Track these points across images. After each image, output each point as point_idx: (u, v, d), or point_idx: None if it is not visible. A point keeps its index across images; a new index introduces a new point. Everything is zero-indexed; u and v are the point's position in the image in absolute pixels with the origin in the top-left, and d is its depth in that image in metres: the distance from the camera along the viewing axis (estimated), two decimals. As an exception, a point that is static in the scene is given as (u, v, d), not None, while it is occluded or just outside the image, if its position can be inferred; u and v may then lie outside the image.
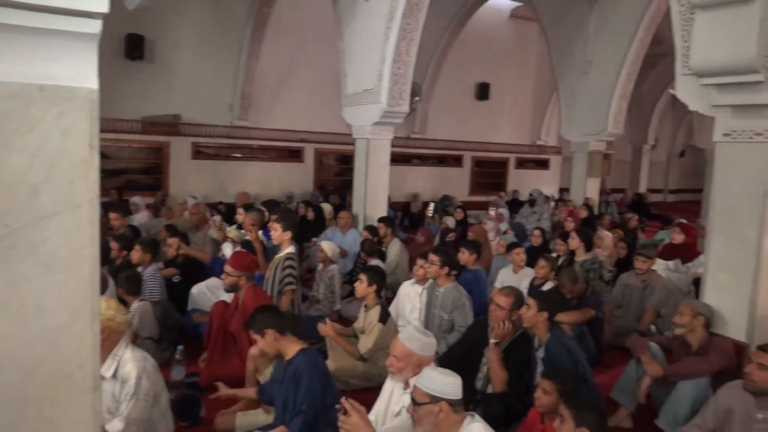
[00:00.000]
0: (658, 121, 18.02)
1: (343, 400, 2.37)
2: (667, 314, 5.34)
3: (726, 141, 3.86)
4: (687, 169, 21.43)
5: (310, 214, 8.94)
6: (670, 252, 6.31)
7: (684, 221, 8.56)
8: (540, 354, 3.67)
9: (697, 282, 5.58)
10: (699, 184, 19.22)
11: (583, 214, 9.16)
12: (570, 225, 7.87)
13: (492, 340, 3.66)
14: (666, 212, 14.49)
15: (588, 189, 10.59)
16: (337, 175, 13.15)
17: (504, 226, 8.89)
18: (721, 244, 3.93)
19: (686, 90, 4.04)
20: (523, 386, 3.57)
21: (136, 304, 4.25)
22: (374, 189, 7.72)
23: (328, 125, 12.01)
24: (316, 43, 11.64)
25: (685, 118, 18.86)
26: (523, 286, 5.25)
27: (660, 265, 6.17)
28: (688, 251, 6.25)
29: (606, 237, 7.15)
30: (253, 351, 3.60)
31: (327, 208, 9.21)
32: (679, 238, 6.21)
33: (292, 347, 3.10)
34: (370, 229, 6.80)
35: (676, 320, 3.83)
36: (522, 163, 15.58)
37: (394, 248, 6.78)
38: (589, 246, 6.03)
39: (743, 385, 2.93)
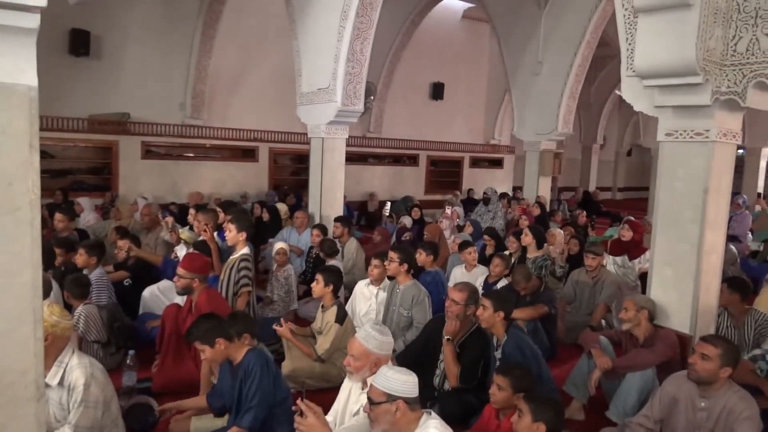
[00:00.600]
0: (606, 121, 18.59)
1: (298, 401, 2.35)
2: (617, 309, 5.51)
3: (668, 140, 4.01)
4: (634, 167, 22.19)
5: (266, 215, 8.83)
6: (617, 248, 6.50)
7: (632, 218, 8.85)
8: (498, 355, 3.73)
9: (643, 277, 5.77)
10: (645, 182, 19.97)
11: (536, 211, 9.36)
12: (524, 223, 8.02)
13: (445, 337, 3.70)
14: (615, 209, 14.94)
15: (540, 187, 10.83)
16: (292, 174, 13.05)
17: (462, 222, 9.00)
18: (665, 241, 4.08)
19: (631, 91, 4.16)
20: (477, 382, 3.62)
21: (81, 308, 4.12)
22: (330, 188, 7.69)
23: (282, 124, 11.90)
24: (270, 40, 11.51)
25: (632, 119, 19.51)
26: (477, 284, 5.32)
27: (608, 261, 6.36)
28: (635, 247, 6.46)
29: (558, 234, 7.34)
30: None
31: (282, 208, 9.13)
32: (627, 234, 6.41)
33: (240, 351, 3.07)
34: (321, 228, 6.77)
35: (621, 316, 3.94)
36: (476, 162, 15.80)
37: (351, 248, 6.77)
38: (540, 243, 6.16)
39: (687, 375, 3.05)
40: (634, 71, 3.92)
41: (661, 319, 4.01)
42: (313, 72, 7.65)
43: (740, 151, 15.69)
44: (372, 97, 12.88)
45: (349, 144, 8.21)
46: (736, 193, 10.39)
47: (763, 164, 15.73)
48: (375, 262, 4.84)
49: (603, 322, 5.43)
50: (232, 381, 3.05)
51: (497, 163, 16.23)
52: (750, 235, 9.77)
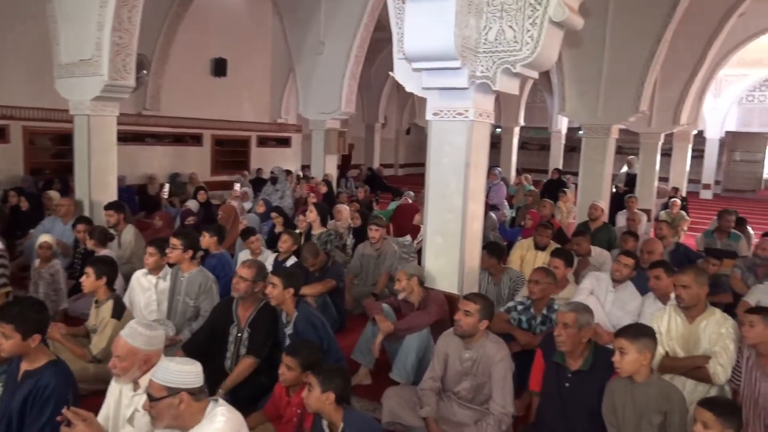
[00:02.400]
0: (386, 101, 19.70)
1: (64, 410, 2.12)
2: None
3: (436, 119, 4.37)
4: (413, 145, 23.91)
5: (24, 203, 7.71)
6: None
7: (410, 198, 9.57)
8: (288, 330, 3.77)
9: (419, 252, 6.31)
10: (423, 158, 21.58)
11: (323, 189, 9.59)
12: (313, 200, 8.19)
13: None
14: (397, 185, 15.97)
15: (327, 165, 11.10)
16: (55, 157, 11.52)
17: (248, 205, 8.85)
18: (435, 212, 4.47)
19: (402, 73, 4.45)
20: (267, 361, 3.62)
21: None
22: (100, 171, 6.95)
23: (38, 100, 10.38)
24: (21, 4, 9.92)
25: (409, 99, 20.95)
26: (267, 264, 5.30)
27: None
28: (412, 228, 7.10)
29: (344, 210, 7.61)
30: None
31: (55, 195, 8.02)
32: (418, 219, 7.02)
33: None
34: (85, 221, 6.10)
35: (396, 287, 4.26)
36: (264, 141, 15.61)
37: (128, 235, 6.24)
38: (324, 219, 6.34)
39: (453, 330, 3.41)
40: (403, 54, 4.17)
41: (435, 283, 4.42)
42: (73, 41, 6.77)
43: (497, 129, 17.87)
44: (145, 72, 11.91)
45: (122, 122, 7.46)
46: (493, 166, 11.81)
47: (515, 141, 18.06)
48: (150, 249, 4.51)
49: (386, 290, 5.80)
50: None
51: (285, 142, 16.23)
52: (506, 204, 11.20)
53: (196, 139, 13.91)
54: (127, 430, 2.60)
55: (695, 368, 3.40)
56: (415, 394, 3.58)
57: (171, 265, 4.51)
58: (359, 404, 3.86)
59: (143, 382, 2.52)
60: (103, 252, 5.21)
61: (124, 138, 9.57)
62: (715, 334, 3.41)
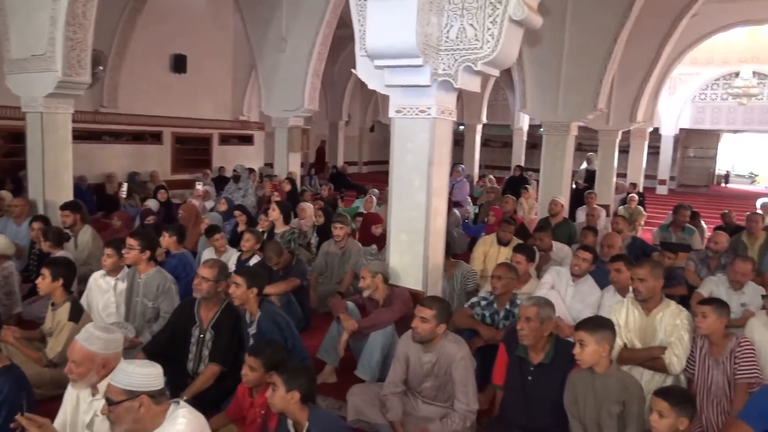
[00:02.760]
0: (350, 99, 19.63)
1: (18, 417, 2.05)
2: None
3: (399, 117, 4.37)
4: (376, 142, 23.90)
5: (-26, 205, 7.37)
6: (368, 240, 7.05)
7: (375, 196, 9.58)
8: (252, 330, 3.73)
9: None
10: (387, 156, 21.54)
11: (287, 187, 9.52)
12: (277, 199, 8.11)
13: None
14: (361, 182, 15.95)
15: (290, 163, 11.02)
16: (6, 155, 11.11)
17: (210, 204, 8.72)
18: (399, 209, 4.48)
19: (365, 70, 4.44)
20: (231, 361, 3.57)
21: None
22: (54, 171, 6.74)
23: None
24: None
25: (373, 96, 20.92)
26: (231, 264, 5.23)
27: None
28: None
29: (308, 208, 7.57)
30: None
31: (7, 195, 7.73)
32: (368, 206, 6.95)
33: None
34: (42, 220, 5.92)
35: (360, 285, 4.26)
36: (226, 139, 15.38)
37: (85, 236, 6.08)
38: (287, 218, 6.29)
39: (412, 337, 3.38)
40: (366, 51, 4.17)
41: (399, 280, 4.42)
42: (24, 36, 6.55)
43: (460, 127, 18.02)
44: (102, 68, 11.58)
45: (78, 120, 7.26)
46: (457, 163, 11.92)
47: (478, 138, 18.25)
48: (108, 251, 4.39)
49: (351, 288, 5.79)
50: None
51: (247, 140, 16.03)
52: (470, 201, 11.32)
53: (156, 137, 13.62)
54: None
55: (652, 359, 3.50)
56: (379, 391, 3.58)
57: (129, 266, 4.41)
58: (325, 402, 3.85)
59: (102, 386, 2.46)
60: (59, 253, 5.06)
61: (80, 136, 9.32)
62: (671, 326, 3.52)
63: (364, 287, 4.19)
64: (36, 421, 2.06)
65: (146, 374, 2.16)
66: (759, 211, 7.41)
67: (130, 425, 2.13)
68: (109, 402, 2.12)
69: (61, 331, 3.69)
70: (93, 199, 10.64)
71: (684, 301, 4.66)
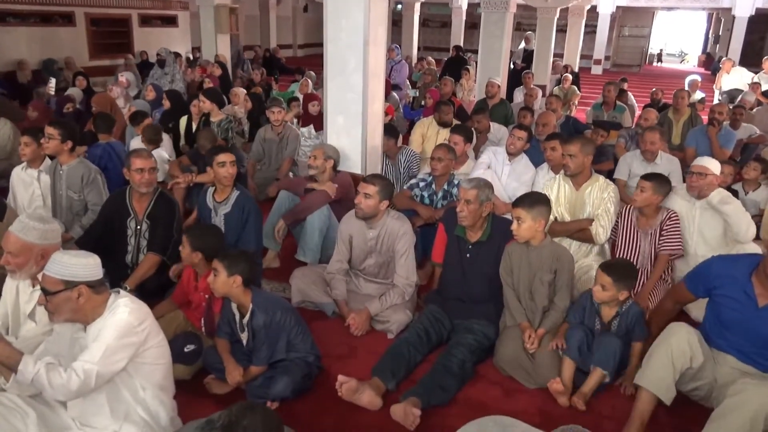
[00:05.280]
0: (280, -25, 18.32)
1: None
2: (299, 162, 5.87)
3: (332, -7, 4.13)
4: (311, 23, 22.69)
5: None
6: (305, 121, 6.82)
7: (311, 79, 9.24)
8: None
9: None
10: (322, 38, 20.59)
11: (217, 72, 9.04)
12: (208, 84, 7.71)
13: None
14: (297, 66, 15.30)
15: (219, 46, 10.38)
16: None
17: (134, 91, 8.21)
18: (335, 91, 4.35)
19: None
20: (171, 250, 3.53)
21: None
22: (-46, 57, 6.12)
23: None
24: None
25: (303, -28, 19.60)
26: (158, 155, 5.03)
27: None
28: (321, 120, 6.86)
29: (240, 93, 7.26)
30: None
31: None
32: (314, 109, 6.72)
33: None
34: None
35: (310, 163, 4.16)
36: (147, 21, 14.18)
37: (6, 129, 5.68)
38: (221, 104, 6.03)
39: (355, 213, 3.45)
40: None
41: (337, 163, 4.39)
42: None
43: (398, 6, 17.27)
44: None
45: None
46: (393, 44, 11.55)
47: (416, 18, 17.63)
48: (25, 139, 4.10)
49: (291, 174, 5.73)
50: None
51: (171, 21, 14.84)
52: (409, 84, 11.12)
53: (67, 19, 12.39)
54: (29, 326, 2.53)
55: (580, 230, 3.71)
56: (321, 272, 3.68)
57: (51, 158, 4.17)
58: (269, 286, 3.92)
59: (41, 277, 2.41)
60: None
61: (-22, 18, 8.38)
62: (598, 199, 3.70)
63: (313, 166, 4.12)
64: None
65: (83, 264, 2.11)
66: (686, 89, 7.65)
67: (69, 315, 2.11)
68: (46, 292, 2.08)
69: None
70: (3, 90, 9.79)
71: (610, 177, 4.88)
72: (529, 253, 3.07)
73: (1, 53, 10.84)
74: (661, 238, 3.54)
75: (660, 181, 3.55)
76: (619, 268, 2.88)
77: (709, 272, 2.71)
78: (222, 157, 3.54)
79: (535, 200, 3.05)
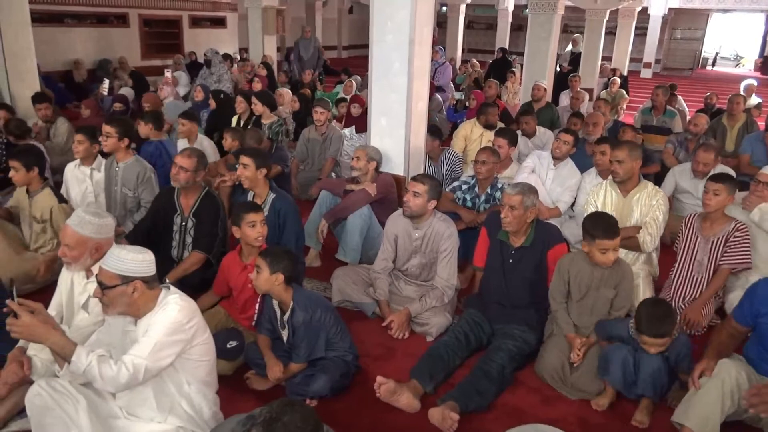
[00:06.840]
0: (326, -23, 18.48)
1: (8, 302, 2.06)
2: (342, 162, 5.91)
3: (379, -7, 4.14)
4: (356, 25, 22.84)
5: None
6: (348, 122, 6.84)
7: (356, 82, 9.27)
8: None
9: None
10: (367, 40, 20.62)
11: (263, 72, 9.18)
12: (257, 86, 7.85)
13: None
14: (342, 67, 15.40)
15: (265, 47, 10.55)
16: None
17: (183, 90, 8.42)
18: (379, 92, 4.36)
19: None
20: (218, 248, 3.60)
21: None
22: (15, 56, 6.38)
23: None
24: None
25: (351, -26, 19.72)
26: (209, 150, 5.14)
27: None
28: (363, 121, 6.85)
29: (286, 94, 7.36)
30: None
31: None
32: (355, 112, 6.75)
33: None
34: (6, 108, 5.67)
35: (353, 164, 4.19)
36: (197, 22, 14.55)
37: (62, 128, 5.93)
38: (273, 107, 6.11)
39: (402, 212, 3.46)
40: None
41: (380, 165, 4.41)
42: None
43: (443, 8, 17.19)
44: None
45: (35, 0, 6.72)
46: (437, 46, 11.51)
47: (461, 20, 17.52)
48: (79, 137, 4.23)
49: (332, 175, 5.78)
50: None
51: (220, 23, 15.19)
52: (452, 86, 11.07)
53: (122, 20, 12.83)
54: (82, 317, 2.60)
55: (627, 238, 3.61)
56: (361, 272, 3.69)
57: (105, 156, 4.32)
58: (310, 285, 3.97)
59: (96, 270, 2.48)
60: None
61: (39, 18, 8.73)
62: (647, 206, 3.60)
63: (356, 167, 4.15)
64: (29, 306, 2.07)
65: (140, 260, 2.16)
66: (742, 93, 7.38)
67: (123, 308, 2.17)
68: (102, 286, 2.14)
69: (57, 215, 3.71)
70: (62, 89, 10.18)
71: (658, 180, 4.74)
72: (593, 269, 2.99)
73: (59, 53, 11.27)
74: (726, 251, 3.38)
75: (731, 180, 3.41)
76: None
77: (754, 296, 2.57)
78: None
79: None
